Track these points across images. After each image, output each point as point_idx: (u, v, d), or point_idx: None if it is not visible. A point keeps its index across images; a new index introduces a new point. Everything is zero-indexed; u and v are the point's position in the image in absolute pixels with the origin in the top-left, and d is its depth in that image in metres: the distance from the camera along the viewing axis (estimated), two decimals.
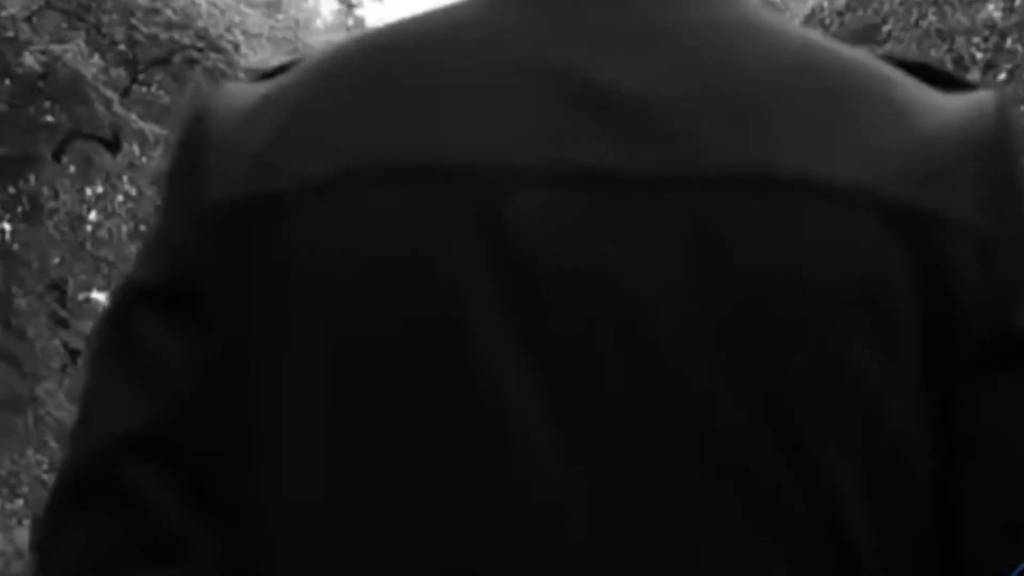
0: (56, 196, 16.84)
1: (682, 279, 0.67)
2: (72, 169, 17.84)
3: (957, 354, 0.68)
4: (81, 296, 24.86)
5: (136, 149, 17.55)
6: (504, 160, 0.68)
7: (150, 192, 21.19)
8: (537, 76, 0.70)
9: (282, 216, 0.70)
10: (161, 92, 18.18)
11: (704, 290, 0.67)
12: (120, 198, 19.00)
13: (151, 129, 15.80)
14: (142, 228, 24.07)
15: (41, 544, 0.73)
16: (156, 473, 0.70)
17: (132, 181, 18.98)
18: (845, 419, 0.67)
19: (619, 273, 0.67)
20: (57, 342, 17.45)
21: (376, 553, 0.67)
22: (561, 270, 0.67)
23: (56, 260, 17.59)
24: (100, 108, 14.80)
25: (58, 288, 18.92)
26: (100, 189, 18.68)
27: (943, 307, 0.68)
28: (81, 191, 18.18)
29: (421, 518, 0.67)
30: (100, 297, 24.28)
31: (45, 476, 15.52)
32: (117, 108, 14.99)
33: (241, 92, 0.77)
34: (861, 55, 0.77)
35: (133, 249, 17.46)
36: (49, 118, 16.62)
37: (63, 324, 18.51)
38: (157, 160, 19.56)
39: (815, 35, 0.80)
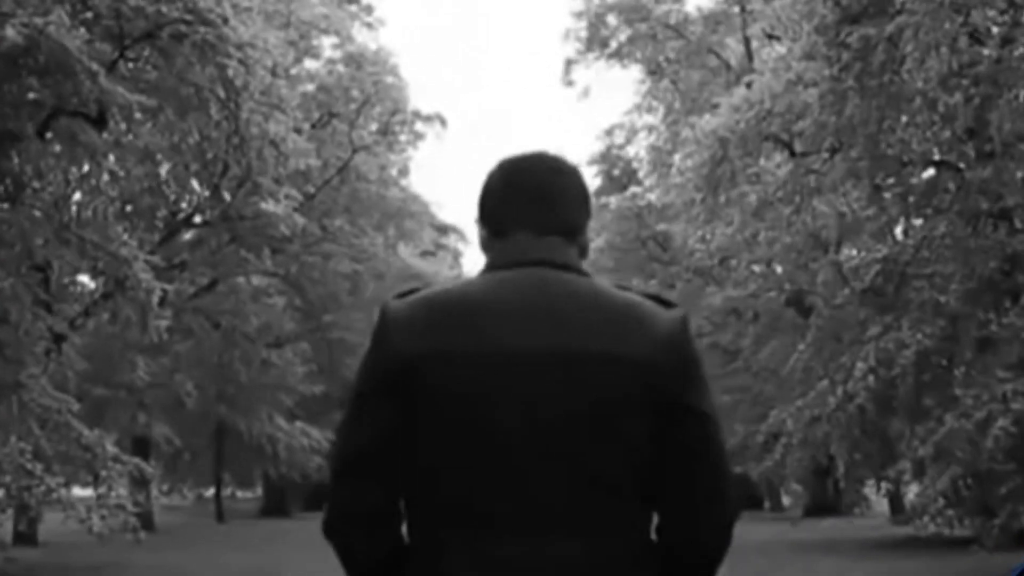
0: (40, 176, 16.29)
1: (560, 393, 2.10)
2: (57, 148, 17.29)
3: (663, 414, 2.12)
4: (66, 279, 24.49)
5: (123, 127, 16.99)
6: (510, 348, 2.11)
7: (137, 171, 20.69)
8: (512, 308, 2.15)
9: (426, 365, 2.11)
10: (148, 67, 17.62)
11: (565, 398, 2.09)
12: (106, 177, 18.41)
13: (138, 101, 15.29)
14: (128, 208, 23.66)
15: (333, 495, 2.21)
16: (376, 464, 2.16)
17: (118, 160, 18.41)
18: (623, 445, 2.12)
19: (538, 393, 2.10)
20: (41, 326, 16.92)
21: (461, 487, 2.11)
22: (524, 388, 2.10)
23: (40, 242, 17.00)
24: (85, 81, 14.28)
25: (42, 271, 18.44)
26: (85, 168, 18.08)
27: (657, 397, 2.11)
28: (66, 171, 17.61)
29: (473, 473, 2.12)
30: (85, 280, 23.78)
31: (29, 464, 15.01)
32: (103, 81, 14.45)
33: (398, 304, 2.19)
34: (627, 294, 2.21)
35: (120, 230, 16.96)
36: (33, 95, 16.11)
37: (47, 308, 18.06)
38: (144, 138, 19.08)
39: (605, 284, 2.27)
